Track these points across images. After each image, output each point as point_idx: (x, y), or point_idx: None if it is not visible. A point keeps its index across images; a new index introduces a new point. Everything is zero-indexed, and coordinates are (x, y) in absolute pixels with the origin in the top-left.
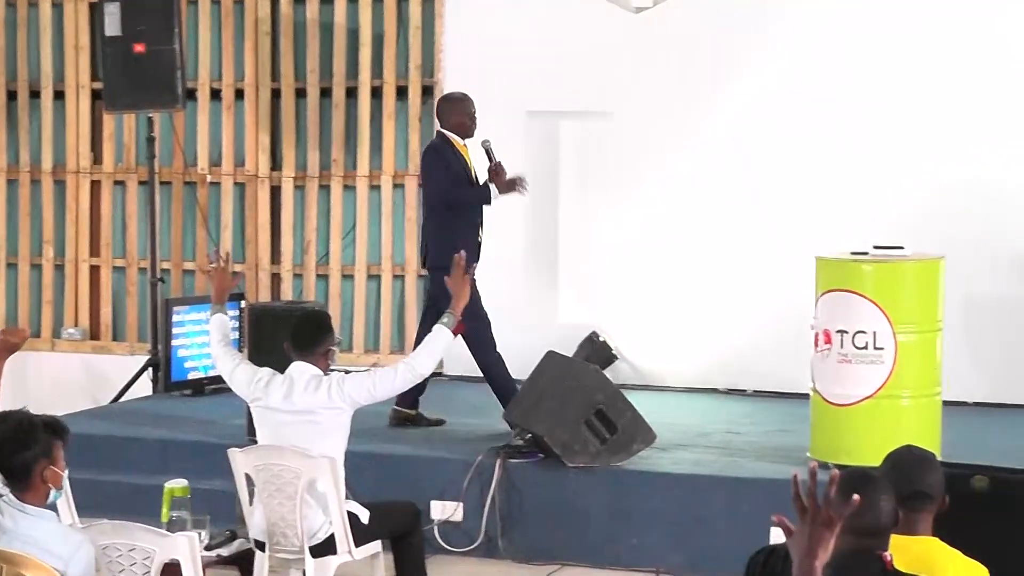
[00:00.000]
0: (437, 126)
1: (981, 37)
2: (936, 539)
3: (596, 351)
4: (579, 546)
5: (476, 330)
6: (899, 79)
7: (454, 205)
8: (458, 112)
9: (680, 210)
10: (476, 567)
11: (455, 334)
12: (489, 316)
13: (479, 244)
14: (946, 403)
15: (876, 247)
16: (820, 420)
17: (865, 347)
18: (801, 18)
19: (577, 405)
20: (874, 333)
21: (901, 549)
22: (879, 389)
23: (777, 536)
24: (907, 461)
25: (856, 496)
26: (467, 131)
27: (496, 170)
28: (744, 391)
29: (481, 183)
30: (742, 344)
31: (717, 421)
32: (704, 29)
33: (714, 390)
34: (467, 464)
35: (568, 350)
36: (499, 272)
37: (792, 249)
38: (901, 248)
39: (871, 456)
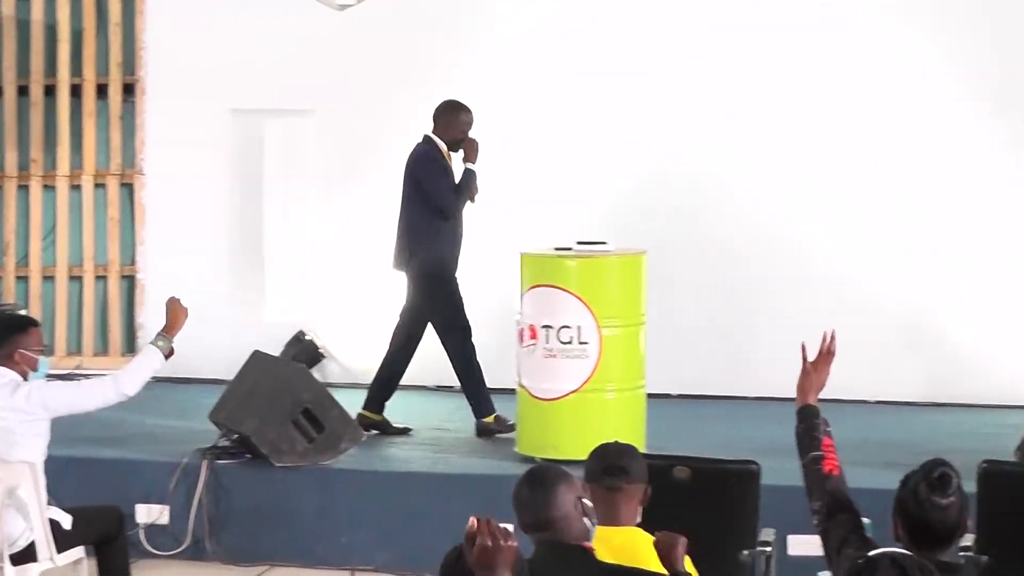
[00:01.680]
0: (430, 129)
1: (671, 32)
2: (639, 529)
3: (303, 350)
4: (289, 546)
5: (455, 342)
6: (596, 74)
7: (450, 214)
8: (461, 124)
9: (385, 208)
10: (183, 570)
11: (167, 357)
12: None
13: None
14: (650, 395)
15: (580, 243)
16: (527, 415)
17: (570, 342)
18: (502, 17)
19: (284, 404)
20: (579, 328)
21: (604, 540)
22: (584, 383)
23: None
24: (606, 450)
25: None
26: (459, 147)
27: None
28: (452, 387)
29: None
30: None
31: (426, 418)
32: (409, 26)
33: (423, 387)
34: (173, 466)
35: (275, 350)
36: (204, 272)
37: (498, 245)
38: (604, 243)
39: (577, 450)
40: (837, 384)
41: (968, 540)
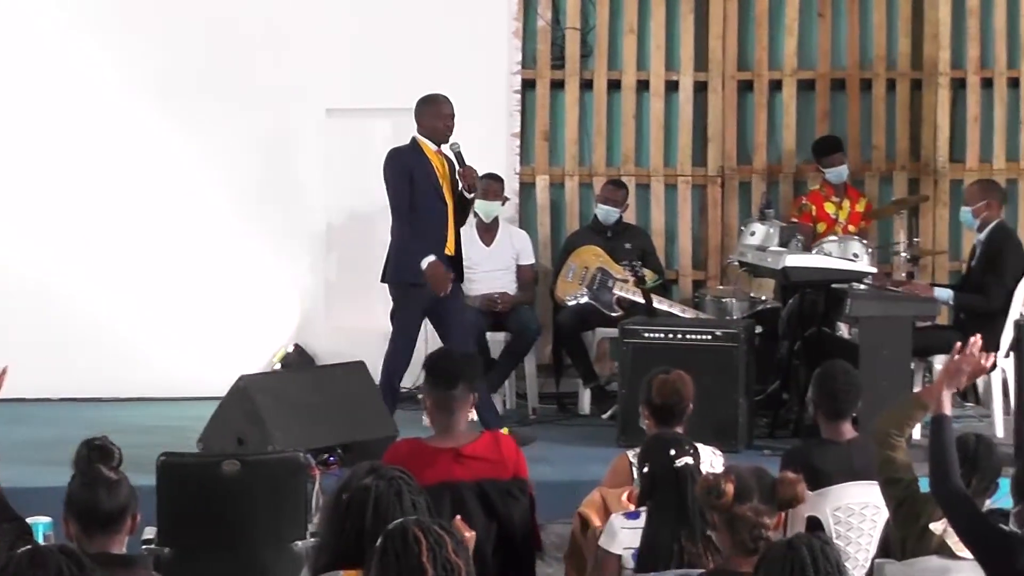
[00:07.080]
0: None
1: None
2: None
3: None
4: None
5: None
6: None
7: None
8: (432, 115)
9: None
10: None
11: None
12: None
13: (448, 259)
14: None
15: None
16: None
17: None
18: None
19: None
20: None
21: None
22: None
23: None
24: None
25: None
26: (441, 136)
27: (465, 173)
28: None
29: (455, 191)
30: None
31: None
32: None
33: None
34: None
35: None
36: None
37: None
38: None
39: None
40: (18, 383)
41: (151, 533)
